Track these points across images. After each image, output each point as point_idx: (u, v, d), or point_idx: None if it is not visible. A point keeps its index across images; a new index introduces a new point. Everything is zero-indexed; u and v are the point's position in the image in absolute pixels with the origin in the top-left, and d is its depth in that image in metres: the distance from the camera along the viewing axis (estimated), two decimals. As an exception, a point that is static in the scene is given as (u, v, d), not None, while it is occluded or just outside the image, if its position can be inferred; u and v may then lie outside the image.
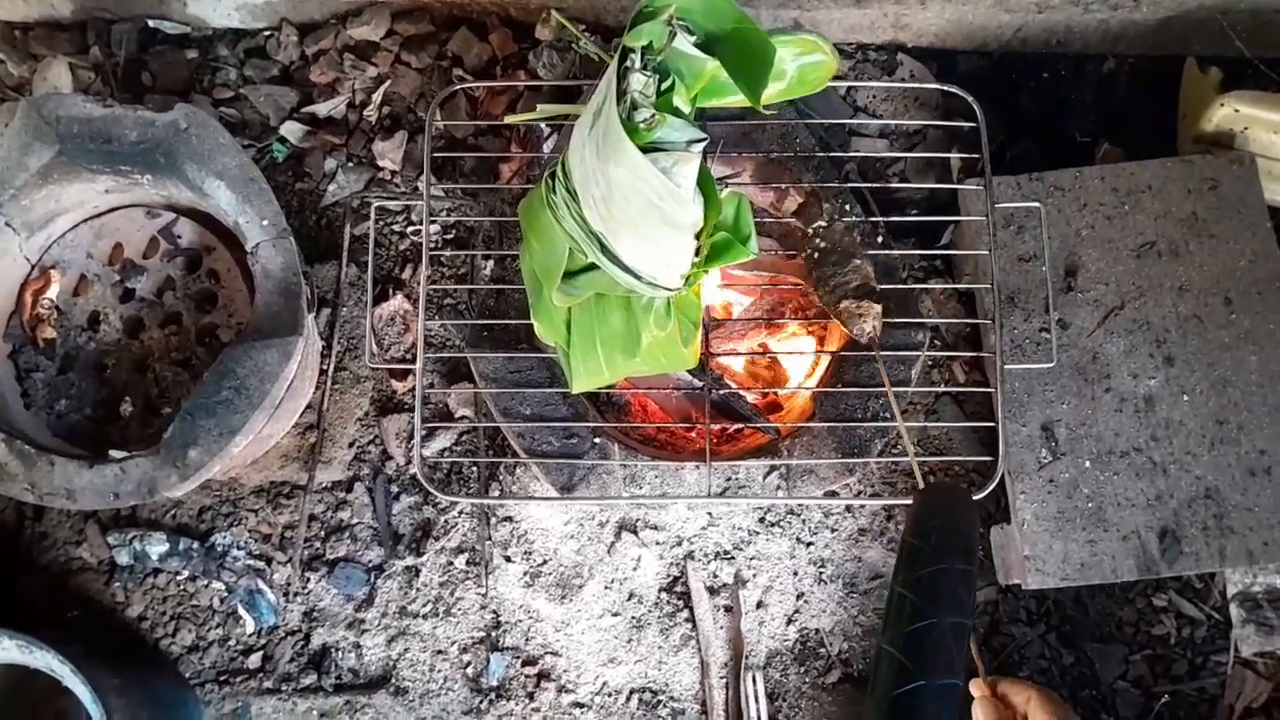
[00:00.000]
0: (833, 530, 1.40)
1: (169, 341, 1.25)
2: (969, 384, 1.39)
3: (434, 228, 1.53)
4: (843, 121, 1.49)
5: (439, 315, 1.48)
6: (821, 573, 1.39)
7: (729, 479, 1.04)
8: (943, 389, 1.36)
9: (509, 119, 1.14)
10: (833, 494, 1.05)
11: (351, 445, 1.45)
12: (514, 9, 1.59)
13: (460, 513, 1.41)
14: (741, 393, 1.09)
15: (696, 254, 0.82)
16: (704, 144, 0.73)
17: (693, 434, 1.16)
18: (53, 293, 1.26)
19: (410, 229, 1.53)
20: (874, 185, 1.18)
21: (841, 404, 1.04)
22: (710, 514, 1.38)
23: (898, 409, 0.97)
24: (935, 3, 1.51)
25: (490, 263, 1.46)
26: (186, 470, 1.06)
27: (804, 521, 1.40)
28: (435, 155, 1.18)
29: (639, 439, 1.10)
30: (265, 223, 1.15)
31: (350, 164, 1.56)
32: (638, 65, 0.70)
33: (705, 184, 0.76)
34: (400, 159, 1.55)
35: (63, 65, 1.60)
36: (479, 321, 1.10)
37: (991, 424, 1.13)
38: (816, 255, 0.99)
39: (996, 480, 1.04)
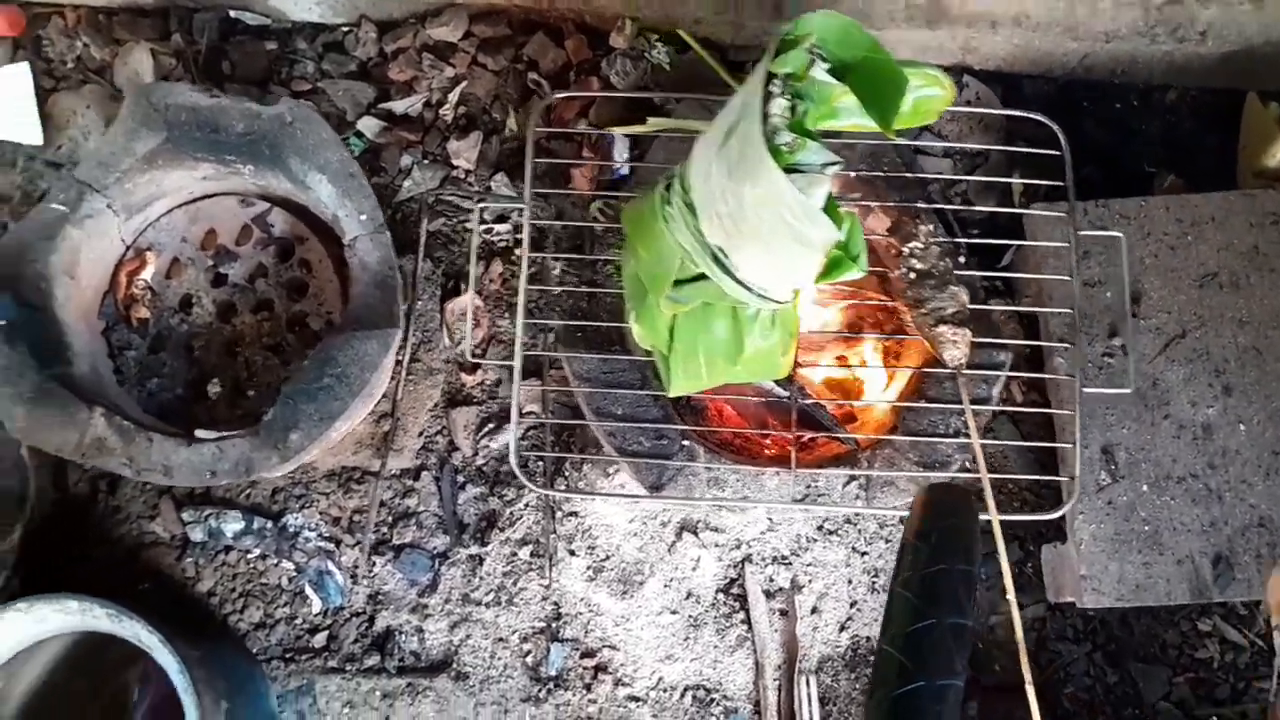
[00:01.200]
0: (886, 541, 1.43)
1: (260, 327, 1.29)
2: (1026, 404, 1.42)
3: (503, 227, 1.57)
4: (911, 142, 1.52)
5: (508, 314, 1.52)
6: (875, 582, 1.43)
7: (809, 486, 1.07)
8: (1000, 408, 1.40)
9: (620, 130, 1.17)
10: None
11: (421, 435, 1.49)
12: (589, 16, 1.62)
13: (525, 505, 1.45)
14: (824, 404, 1.13)
15: None
16: (838, 167, 0.76)
17: (767, 441, 1.19)
18: (147, 274, 1.30)
19: (481, 227, 1.57)
20: (953, 207, 1.21)
21: (924, 419, 1.08)
22: (770, 519, 1.41)
23: (975, 428, 1.00)
24: (1005, 28, 1.54)
25: (560, 265, 1.50)
26: (287, 452, 1.10)
27: (859, 531, 1.43)
28: (537, 161, 1.20)
29: (715, 443, 1.14)
30: (364, 217, 1.18)
31: (425, 161, 1.59)
32: (779, 91, 0.74)
33: (829, 205, 0.80)
34: (475, 158, 1.58)
35: (144, 51, 1.64)
36: (574, 322, 1.13)
37: (1051, 444, 1.16)
38: (914, 276, 1.03)
39: (1074, 498, 1.08)
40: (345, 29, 1.67)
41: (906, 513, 1.27)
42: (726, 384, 1.00)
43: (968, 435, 1.04)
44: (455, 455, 1.49)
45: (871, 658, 1.42)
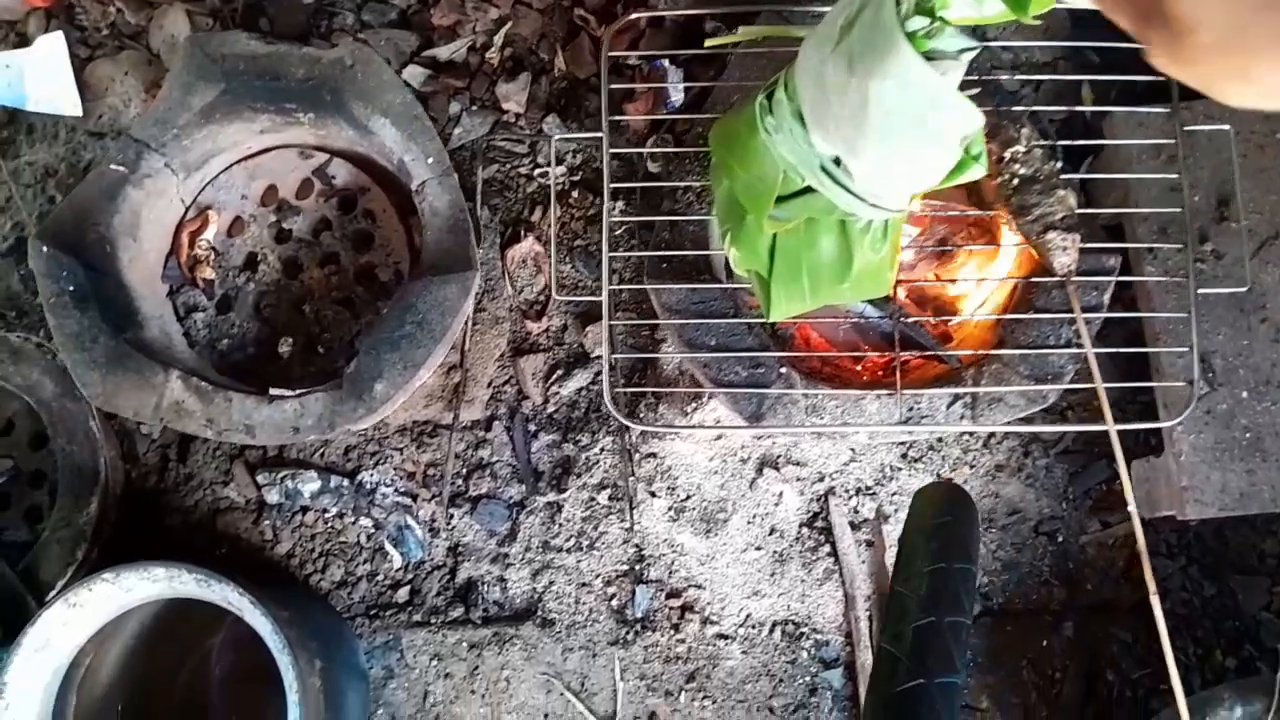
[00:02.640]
0: (971, 466, 1.41)
1: (328, 281, 1.26)
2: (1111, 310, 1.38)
3: (560, 170, 1.53)
4: (985, 43, 1.46)
5: (569, 257, 1.49)
6: (960, 507, 1.40)
7: (910, 409, 1.05)
8: (1110, 314, 1.35)
9: (711, 42, 1.12)
10: (1026, 420, 1.05)
11: (489, 385, 1.46)
12: (634, -54, 1.57)
13: (601, 450, 1.43)
14: (924, 322, 1.09)
15: None
16: (974, 53, 0.72)
17: (858, 366, 1.16)
18: (210, 233, 1.27)
19: (537, 171, 1.53)
20: (1042, 108, 1.15)
21: (1033, 331, 1.04)
22: (853, 450, 1.39)
23: (1088, 337, 0.97)
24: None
25: (620, 202, 1.46)
26: (373, 403, 1.08)
27: (943, 458, 1.41)
28: (612, 88, 1.15)
29: (806, 370, 1.11)
30: (430, 160, 1.15)
31: (474, 107, 1.55)
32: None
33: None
34: (524, 101, 1.54)
35: (180, 12, 1.59)
36: (659, 253, 1.09)
37: (1156, 350, 1.13)
38: (1016, 182, 0.98)
39: (1193, 404, 1.05)
40: (384, -24, 1.62)
41: (1015, 429, 1.25)
42: (826, 306, 0.96)
43: (1079, 345, 1.00)
44: (525, 404, 1.46)
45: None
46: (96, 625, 1.25)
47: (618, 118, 1.37)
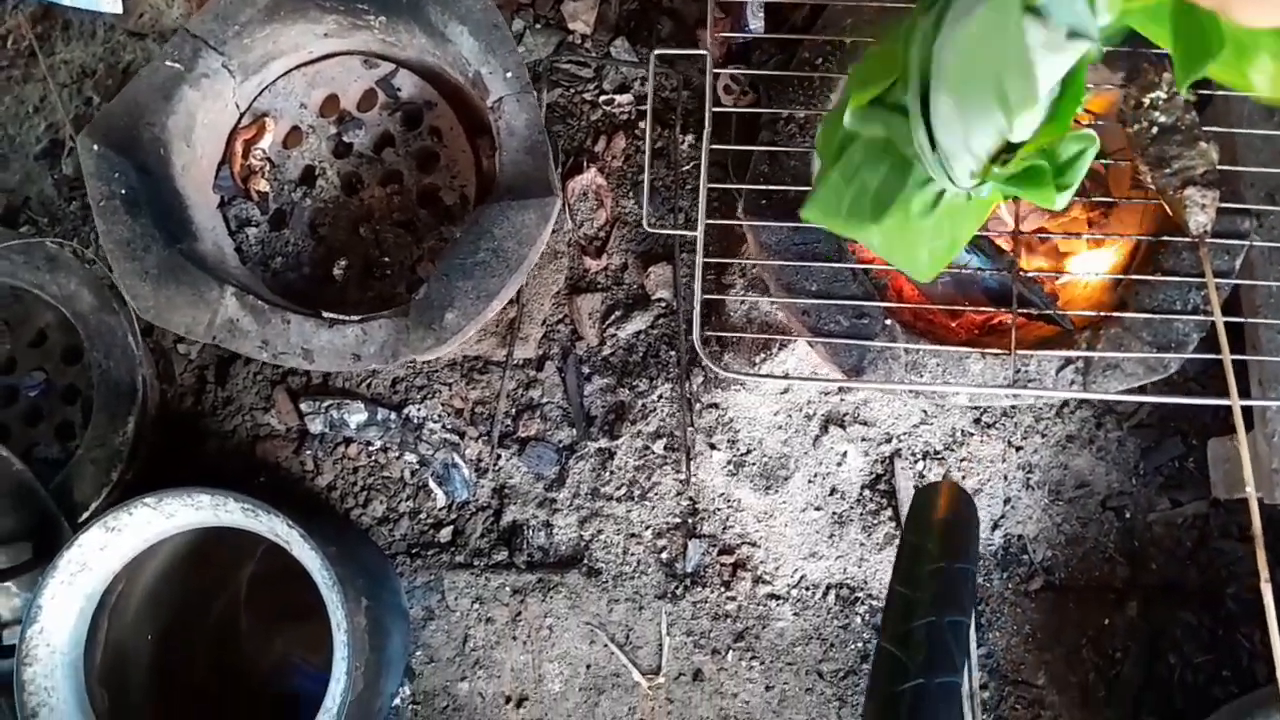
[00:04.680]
0: (1042, 435, 1.35)
1: (390, 201, 1.19)
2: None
3: (625, 98, 1.45)
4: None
5: (632, 194, 1.42)
6: (1029, 478, 1.35)
7: (1018, 372, 0.98)
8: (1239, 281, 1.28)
9: None
10: (1141, 389, 0.99)
11: (544, 323, 1.40)
12: None
13: (659, 397, 1.37)
14: (1040, 278, 1.02)
15: (999, 162, 0.72)
16: (1090, 46, 0.63)
17: (953, 324, 1.09)
18: (265, 143, 1.19)
19: (602, 98, 1.45)
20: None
21: (1159, 294, 0.97)
22: (925, 411, 1.33)
23: (1217, 304, 0.90)
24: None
25: (690, 136, 1.39)
26: (443, 334, 1.01)
27: (1016, 425, 1.35)
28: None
29: (905, 322, 1.04)
30: (509, 75, 1.07)
31: (538, 26, 1.46)
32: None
33: (1067, 98, 0.67)
34: (593, 21, 1.45)
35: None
36: (759, 187, 1.02)
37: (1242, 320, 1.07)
38: (1156, 131, 0.91)
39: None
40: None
41: (1131, 399, 1.19)
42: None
43: (1208, 311, 0.93)
44: (579, 345, 1.40)
45: (1024, 556, 1.35)
46: (134, 550, 1.20)
47: (724, 35, 1.28)
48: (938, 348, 0.98)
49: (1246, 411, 1.23)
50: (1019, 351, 0.95)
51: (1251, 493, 0.92)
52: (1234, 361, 0.97)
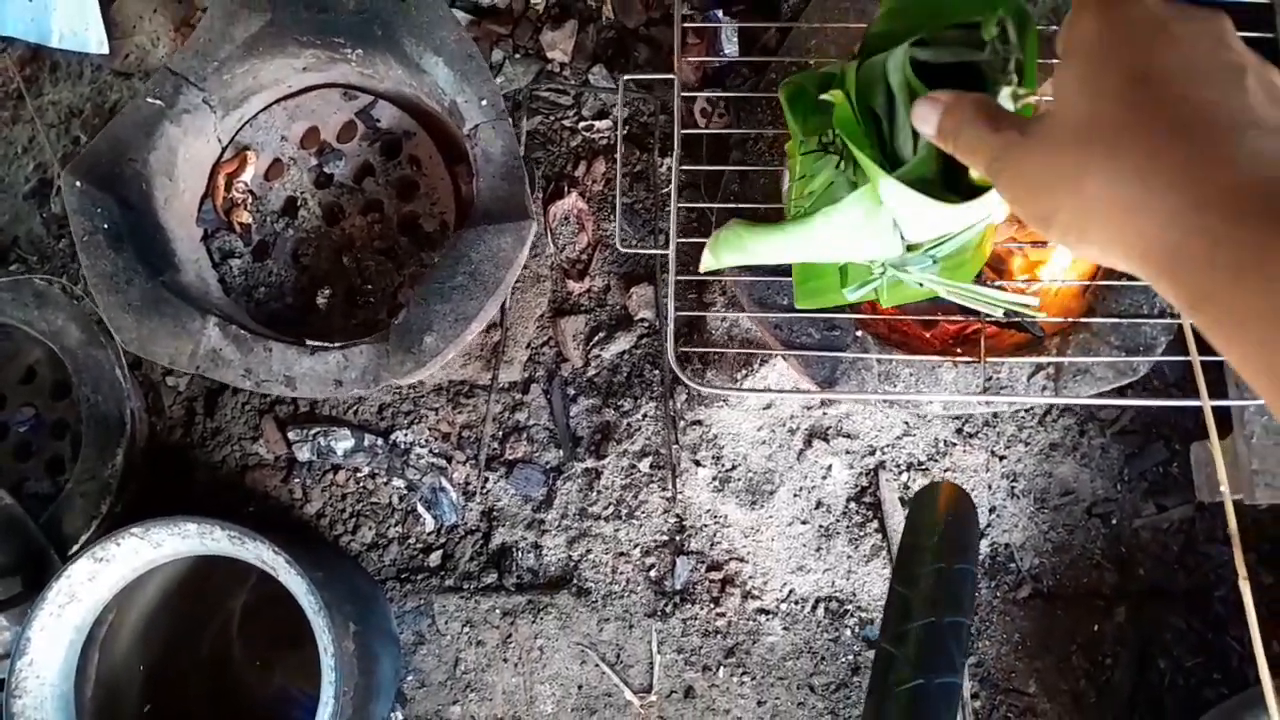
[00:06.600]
0: (1026, 444, 1.36)
1: (370, 229, 1.21)
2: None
3: (603, 124, 1.48)
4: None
5: (612, 216, 1.43)
6: (1014, 487, 1.36)
7: (989, 379, 1.00)
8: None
9: None
10: (1118, 392, 1.00)
11: (528, 346, 1.41)
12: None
13: (644, 416, 1.38)
14: (1008, 287, 1.04)
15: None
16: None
17: (928, 334, 1.11)
18: (247, 176, 1.22)
19: (581, 124, 1.47)
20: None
21: (1126, 299, 0.99)
22: (907, 423, 1.34)
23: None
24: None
25: (667, 159, 1.41)
26: (421, 356, 1.02)
27: (999, 434, 1.36)
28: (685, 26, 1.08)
29: (875, 335, 1.05)
30: (484, 103, 1.09)
31: (517, 55, 1.49)
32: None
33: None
34: (571, 50, 1.48)
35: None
36: (728, 205, 1.04)
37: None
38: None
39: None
40: (420, -82, 1.55)
41: (1102, 403, 1.20)
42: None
43: (1174, 314, 0.95)
44: (564, 367, 1.41)
45: (1011, 564, 1.36)
46: (123, 581, 1.21)
47: (697, 60, 1.31)
48: (910, 358, 0.99)
49: (1226, 413, 1.24)
50: (989, 359, 0.96)
51: (1226, 493, 0.93)
52: (1212, 364, 0.98)
